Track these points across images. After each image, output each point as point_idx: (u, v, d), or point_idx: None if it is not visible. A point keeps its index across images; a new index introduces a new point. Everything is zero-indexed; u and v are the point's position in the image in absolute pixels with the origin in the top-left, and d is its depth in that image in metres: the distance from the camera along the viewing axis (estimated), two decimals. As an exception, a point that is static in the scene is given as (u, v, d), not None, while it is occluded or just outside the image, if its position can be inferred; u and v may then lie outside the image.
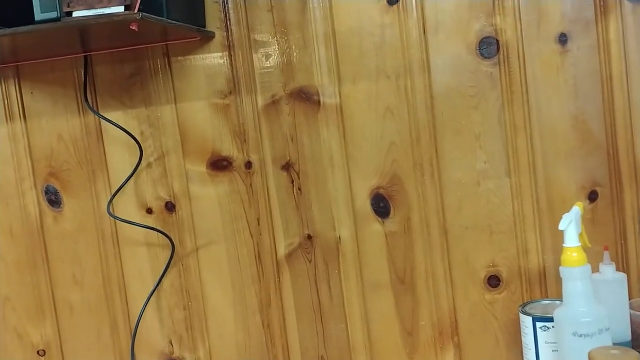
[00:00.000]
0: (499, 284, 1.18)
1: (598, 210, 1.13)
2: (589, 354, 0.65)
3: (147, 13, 0.96)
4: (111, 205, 1.26)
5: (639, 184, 1.12)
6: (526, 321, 1.05)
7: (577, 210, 0.94)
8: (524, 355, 1.06)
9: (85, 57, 1.24)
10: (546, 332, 1.03)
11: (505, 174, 1.15)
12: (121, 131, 1.23)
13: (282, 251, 1.24)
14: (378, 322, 1.23)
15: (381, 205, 1.20)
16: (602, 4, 1.11)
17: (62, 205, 1.30)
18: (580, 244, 0.92)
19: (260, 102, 1.21)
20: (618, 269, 1.07)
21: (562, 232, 0.92)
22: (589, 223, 1.13)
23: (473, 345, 1.20)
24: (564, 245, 0.92)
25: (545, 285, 1.16)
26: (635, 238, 1.13)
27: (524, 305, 1.09)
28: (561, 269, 0.92)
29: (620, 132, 1.11)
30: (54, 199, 1.30)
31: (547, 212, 1.14)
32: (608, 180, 1.12)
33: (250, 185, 1.23)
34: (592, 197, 1.13)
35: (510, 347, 1.19)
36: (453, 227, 1.18)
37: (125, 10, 0.97)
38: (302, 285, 1.25)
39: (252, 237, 1.25)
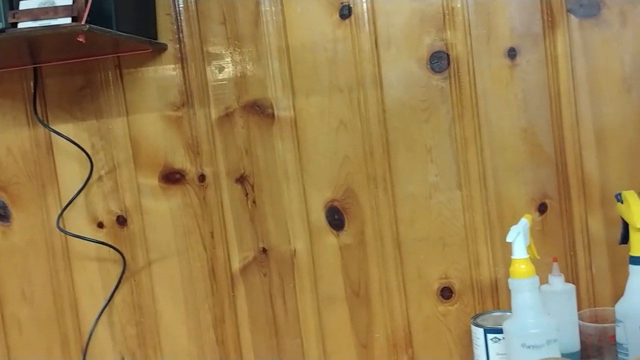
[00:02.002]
0: (452, 296, 1.19)
1: (547, 222, 1.15)
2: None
3: (95, 24, 0.95)
4: (61, 219, 1.23)
5: (586, 196, 1.14)
6: (477, 332, 1.06)
7: (524, 222, 0.95)
8: (475, 366, 1.07)
9: (35, 68, 1.22)
10: (497, 343, 1.03)
11: (456, 186, 1.16)
12: (71, 144, 1.21)
13: (236, 265, 1.23)
14: (333, 335, 1.23)
15: (335, 218, 1.20)
16: (549, 19, 1.13)
17: (10, 220, 1.27)
18: (528, 256, 0.93)
19: (214, 114, 1.20)
20: (567, 280, 1.09)
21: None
22: (539, 235, 1.14)
23: (426, 357, 1.20)
24: (512, 257, 0.93)
25: (496, 296, 1.17)
26: (583, 249, 1.15)
27: (476, 316, 1.09)
28: (509, 280, 0.93)
29: (568, 145, 1.13)
30: (2, 213, 1.27)
31: (497, 224, 1.16)
32: (557, 193, 1.14)
33: (204, 198, 1.22)
34: (542, 209, 1.15)
35: (462, 358, 1.19)
36: (406, 239, 1.19)
37: (73, 21, 0.95)
38: (256, 300, 1.24)
39: (205, 251, 1.24)
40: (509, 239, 0.92)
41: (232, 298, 1.24)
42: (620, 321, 0.96)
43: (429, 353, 1.20)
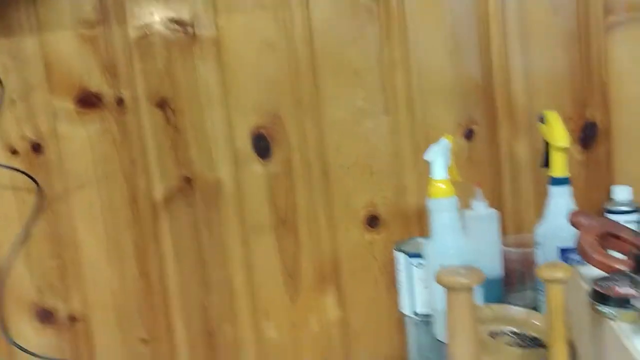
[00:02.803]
0: (378, 224, 1.17)
1: (474, 149, 1.13)
2: (437, 273, 0.64)
3: None
4: (-30, 145, 1.16)
5: (513, 122, 1.12)
6: (400, 258, 1.04)
7: (445, 142, 0.93)
8: (400, 293, 1.06)
9: (-64, -19, 1.13)
10: (420, 268, 1.02)
11: (383, 111, 1.13)
12: (-21, 64, 1.13)
13: (158, 194, 1.19)
14: (260, 266, 1.20)
15: (262, 145, 1.16)
16: (481, -60, 1.10)
17: None
18: (448, 177, 0.92)
19: (132, 33, 1.14)
20: (493, 207, 1.08)
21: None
22: (466, 162, 1.13)
23: (353, 286, 1.19)
24: (431, 176, 0.91)
25: (423, 224, 1.16)
26: (509, 176, 1.14)
27: (400, 243, 1.08)
28: (428, 201, 0.91)
29: (496, 70, 1.11)
30: None
31: (424, 150, 1.12)
32: (483, 118, 1.13)
33: (123, 123, 1.16)
34: (468, 135, 1.13)
35: (389, 287, 1.19)
36: (333, 167, 1.16)
37: None
38: (180, 230, 1.20)
39: (126, 179, 1.18)
40: (427, 157, 0.90)
41: (155, 229, 1.20)
42: (540, 244, 0.96)
43: (355, 282, 1.19)
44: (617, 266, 0.69)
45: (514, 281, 1.06)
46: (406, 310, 1.06)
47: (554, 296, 0.64)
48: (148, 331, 1.22)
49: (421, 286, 1.02)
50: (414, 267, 1.03)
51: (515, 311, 0.88)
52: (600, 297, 0.64)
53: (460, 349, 0.62)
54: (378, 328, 1.20)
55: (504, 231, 1.13)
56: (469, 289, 0.63)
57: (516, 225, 1.14)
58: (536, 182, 1.13)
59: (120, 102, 1.15)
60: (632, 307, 0.61)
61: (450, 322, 0.63)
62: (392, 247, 1.16)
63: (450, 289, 0.63)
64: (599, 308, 0.63)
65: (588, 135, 1.12)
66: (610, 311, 0.62)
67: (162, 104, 1.16)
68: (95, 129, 1.17)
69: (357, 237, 1.18)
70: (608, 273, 0.68)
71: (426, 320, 1.00)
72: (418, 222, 1.16)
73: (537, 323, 0.87)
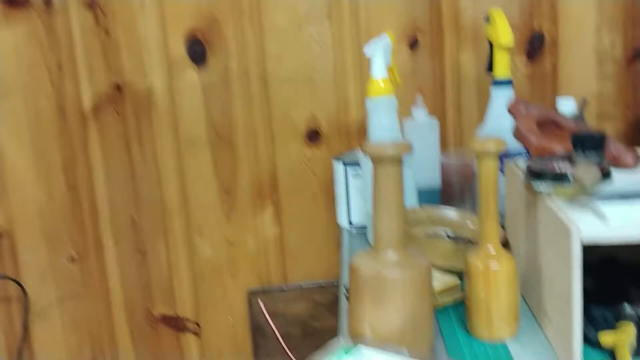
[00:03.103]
0: (319, 139, 1.13)
1: (418, 58, 1.09)
2: (364, 146, 0.60)
3: None
4: None
5: (458, 31, 1.09)
6: (338, 168, 1.00)
7: (386, 38, 0.88)
8: (337, 206, 1.02)
9: None
10: (356, 179, 0.99)
11: (326, 17, 1.08)
12: None
13: (87, 102, 1.12)
14: (194, 181, 1.15)
15: (197, 50, 1.10)
16: None
17: None
18: (387, 76, 0.87)
19: None
20: (436, 118, 1.05)
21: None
22: (409, 72, 1.09)
23: (291, 202, 1.15)
24: (371, 74, 0.87)
25: (364, 138, 1.13)
26: (452, 86, 1.10)
27: (340, 155, 1.04)
28: (366, 99, 0.87)
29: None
30: None
31: (366, 62, 1.09)
32: (429, 27, 1.09)
33: (50, 26, 1.09)
34: (413, 44, 1.09)
35: (328, 204, 1.15)
36: (273, 77, 1.11)
37: None
38: (111, 141, 1.14)
39: (53, 87, 1.11)
40: (367, 52, 0.85)
41: (84, 140, 1.13)
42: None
43: (293, 198, 1.15)
44: (555, 148, 0.66)
45: (452, 194, 1.03)
46: (342, 221, 1.02)
47: (486, 170, 0.61)
48: (76, 248, 1.16)
49: (357, 196, 0.99)
50: (351, 177, 0.99)
51: (450, 213, 0.86)
52: (535, 175, 0.61)
53: (385, 224, 0.59)
54: (316, 245, 1.16)
55: (445, 145, 1.10)
56: (395, 161, 0.59)
57: (458, 138, 1.11)
58: (480, 94, 1.10)
59: (47, 2, 1.08)
60: (568, 182, 0.59)
61: (376, 196, 0.60)
62: (332, 163, 1.13)
63: (376, 160, 0.59)
64: (535, 185, 0.61)
65: (535, 47, 1.09)
66: (546, 187, 0.60)
67: (92, 5, 1.08)
68: (22, 32, 1.09)
69: (297, 153, 1.13)
70: (545, 157, 0.66)
71: (361, 231, 0.97)
72: (360, 137, 1.12)
73: (472, 226, 0.85)
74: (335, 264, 1.15)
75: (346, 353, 0.57)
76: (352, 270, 0.61)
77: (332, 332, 1.15)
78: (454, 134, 1.11)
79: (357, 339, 0.60)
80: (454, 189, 1.03)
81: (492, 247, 0.62)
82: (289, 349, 1.17)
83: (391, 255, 0.60)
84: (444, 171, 1.03)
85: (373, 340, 0.59)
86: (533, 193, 0.63)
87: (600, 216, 0.54)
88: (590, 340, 0.59)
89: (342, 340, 0.60)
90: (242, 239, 1.16)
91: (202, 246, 1.17)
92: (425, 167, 0.99)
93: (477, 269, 0.61)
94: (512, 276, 0.61)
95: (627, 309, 0.62)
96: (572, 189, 0.58)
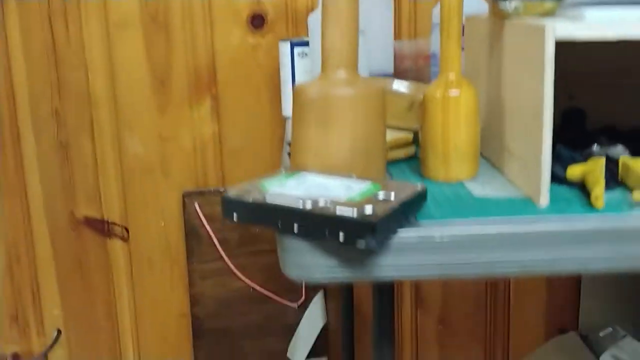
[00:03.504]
0: (263, 25, 1.04)
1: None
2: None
3: None
4: None
5: None
6: (284, 50, 0.92)
7: None
8: (282, 95, 0.94)
9: None
10: (304, 58, 0.90)
11: None
12: None
13: (4, -27, 1.00)
14: (124, 69, 1.05)
15: None
16: None
17: None
18: None
19: None
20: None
21: None
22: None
23: (232, 96, 1.06)
24: None
25: (313, 26, 1.04)
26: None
27: (286, 38, 0.95)
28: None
29: None
30: None
31: None
32: None
33: None
34: None
35: (273, 98, 1.06)
36: (214, -48, 1.01)
37: None
38: (31, 22, 1.02)
39: (-37, -48, 0.99)
40: None
41: (1, 18, 1.01)
42: (437, 25, 0.86)
43: (234, 92, 1.06)
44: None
45: (404, 77, 0.96)
46: (288, 112, 0.94)
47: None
48: (-10, 141, 1.05)
49: (305, 79, 0.91)
50: (298, 58, 0.91)
51: (404, 84, 0.79)
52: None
53: (336, 39, 0.51)
54: (258, 144, 1.08)
55: (399, 34, 1.03)
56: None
57: (412, 31, 1.04)
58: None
59: None
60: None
61: (325, 7, 0.52)
62: (278, 54, 1.04)
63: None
64: (502, 5, 0.54)
65: None
66: (516, 4, 0.53)
67: None
68: None
69: (239, 40, 1.04)
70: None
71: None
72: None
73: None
74: (278, 164, 1.06)
75: (287, 178, 0.50)
76: (297, 94, 0.53)
77: (273, 240, 1.07)
78: (408, 27, 1.04)
79: (300, 168, 0.52)
80: (408, 76, 0.96)
81: (453, 74, 0.55)
82: (226, 255, 1.09)
83: (341, 74, 0.52)
84: (398, 57, 0.96)
85: (318, 170, 0.51)
86: (501, 16, 0.56)
87: (578, 18, 0.48)
88: (557, 177, 0.53)
89: (283, 170, 0.52)
90: (176, 135, 1.07)
91: (132, 142, 1.07)
92: (377, 51, 0.91)
93: (435, 98, 0.54)
94: (473, 105, 0.54)
95: (596, 148, 0.56)
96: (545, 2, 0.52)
